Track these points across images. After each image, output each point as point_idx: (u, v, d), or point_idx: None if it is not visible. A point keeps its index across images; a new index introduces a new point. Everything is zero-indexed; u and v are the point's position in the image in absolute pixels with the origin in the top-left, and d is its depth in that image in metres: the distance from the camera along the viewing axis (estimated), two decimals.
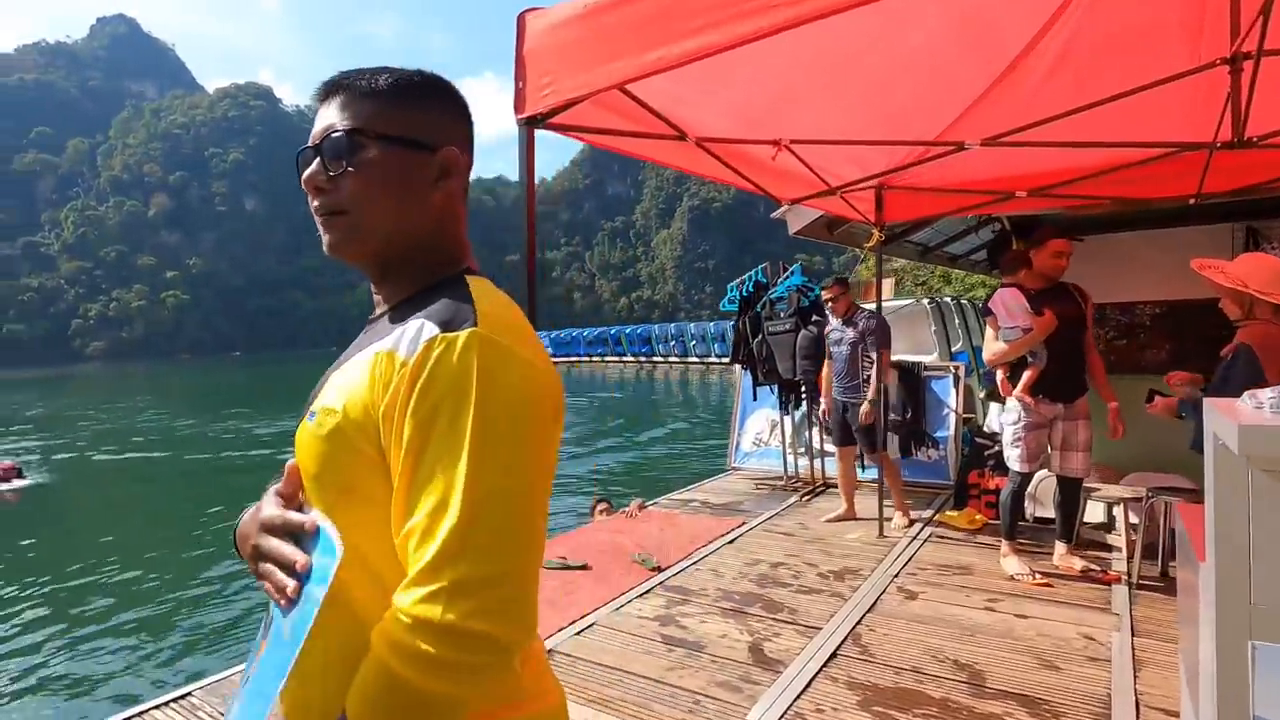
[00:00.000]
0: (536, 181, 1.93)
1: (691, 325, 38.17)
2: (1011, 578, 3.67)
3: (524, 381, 0.69)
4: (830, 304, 4.82)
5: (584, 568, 4.07)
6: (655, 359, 38.94)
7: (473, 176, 0.89)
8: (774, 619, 3.32)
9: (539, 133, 1.87)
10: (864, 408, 4.61)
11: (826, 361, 5.01)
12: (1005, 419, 3.78)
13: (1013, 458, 3.70)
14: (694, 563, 4.16)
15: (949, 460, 5.48)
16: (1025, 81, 2.78)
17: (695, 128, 2.54)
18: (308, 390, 0.84)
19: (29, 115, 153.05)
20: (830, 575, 3.88)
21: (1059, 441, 3.65)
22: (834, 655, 2.92)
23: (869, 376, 4.66)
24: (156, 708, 2.68)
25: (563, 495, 10.09)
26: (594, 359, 42.74)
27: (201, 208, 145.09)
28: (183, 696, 2.76)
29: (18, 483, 12.20)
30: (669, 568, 4.07)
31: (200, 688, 2.84)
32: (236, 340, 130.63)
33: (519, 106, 1.81)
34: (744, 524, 4.91)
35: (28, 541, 9.21)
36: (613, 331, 43.13)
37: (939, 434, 5.58)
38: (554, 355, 46.07)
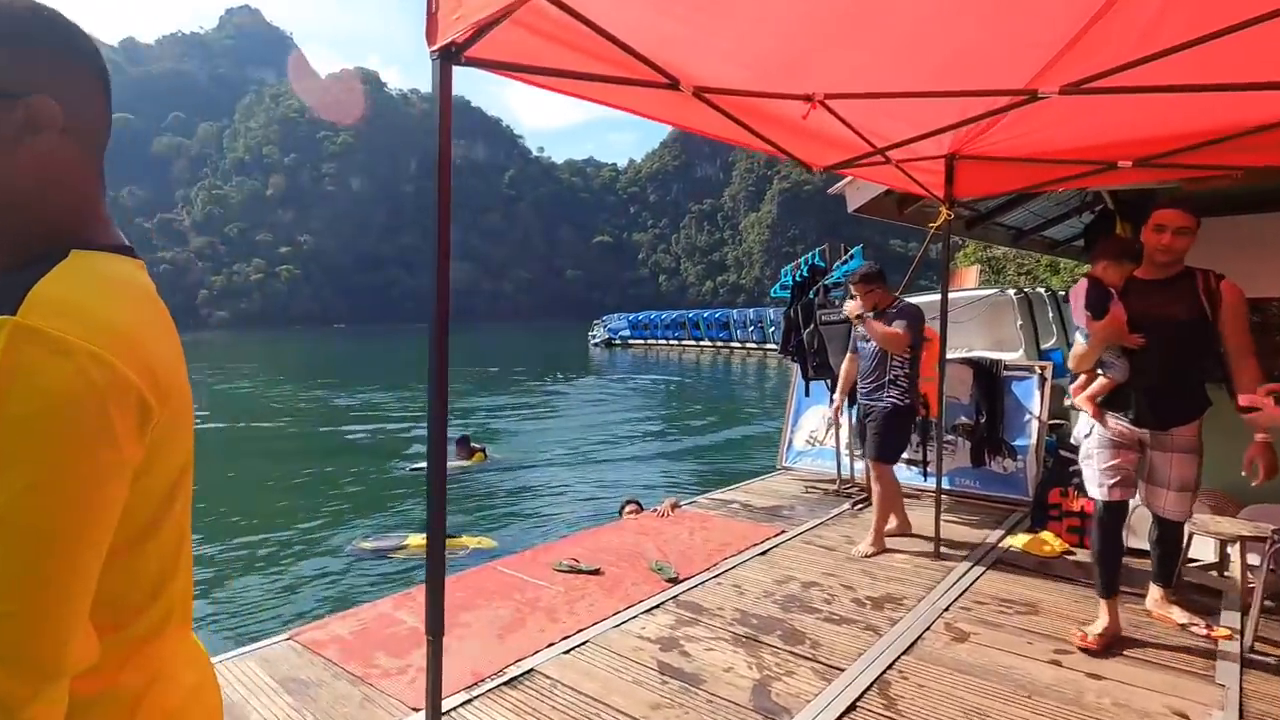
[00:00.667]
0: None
1: (771, 311, 37.10)
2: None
3: (74, 379, 0.58)
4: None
5: (595, 573, 3.75)
6: (733, 344, 38.18)
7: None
8: (792, 652, 2.89)
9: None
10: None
11: (850, 355, 4.47)
12: (1080, 430, 3.15)
13: (1085, 479, 3.06)
14: (716, 575, 3.76)
15: (1028, 474, 4.81)
16: (1129, 21, 2.18)
17: (693, 75, 2.12)
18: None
19: (167, 101, 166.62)
20: (868, 602, 3.39)
21: (1145, 472, 2.93)
22: (853, 706, 2.47)
23: (896, 377, 4.08)
24: None
25: (595, 488, 9.57)
26: (670, 342, 42.36)
27: (312, 187, 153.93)
28: None
29: None
30: (688, 579, 3.69)
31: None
32: (342, 313, 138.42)
33: (430, 36, 1.46)
34: (782, 533, 4.45)
35: None
36: (690, 315, 42.64)
37: (1018, 443, 4.91)
38: (631, 338, 46.11)
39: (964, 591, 3.49)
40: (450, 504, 7.72)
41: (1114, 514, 2.95)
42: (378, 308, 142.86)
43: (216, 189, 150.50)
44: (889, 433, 4.12)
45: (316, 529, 7.86)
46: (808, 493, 5.44)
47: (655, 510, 5.00)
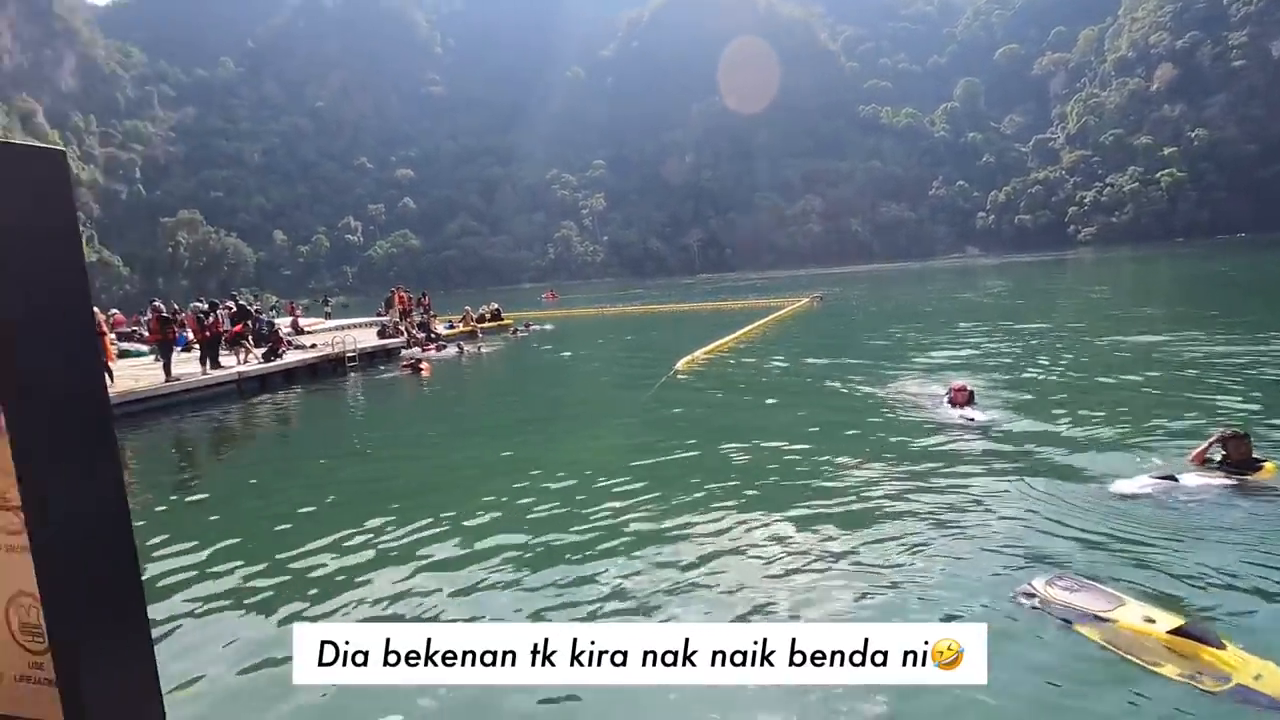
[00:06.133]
0: None
1: None
2: None
3: None
4: None
5: None
6: None
7: None
8: None
9: None
10: None
11: None
12: None
13: None
14: None
15: None
16: None
17: None
18: None
19: (1049, 19, 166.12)
20: None
21: None
22: None
23: None
24: None
25: None
26: None
27: (1211, 68, 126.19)
28: None
29: (970, 412, 9.50)
30: None
31: None
32: (1242, 219, 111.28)
33: None
34: None
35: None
36: None
37: None
38: None
39: None
40: (1152, 541, 4.68)
41: None
42: None
43: (1093, 97, 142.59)
44: None
45: (976, 537, 5.71)
46: None
47: None
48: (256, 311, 22.05)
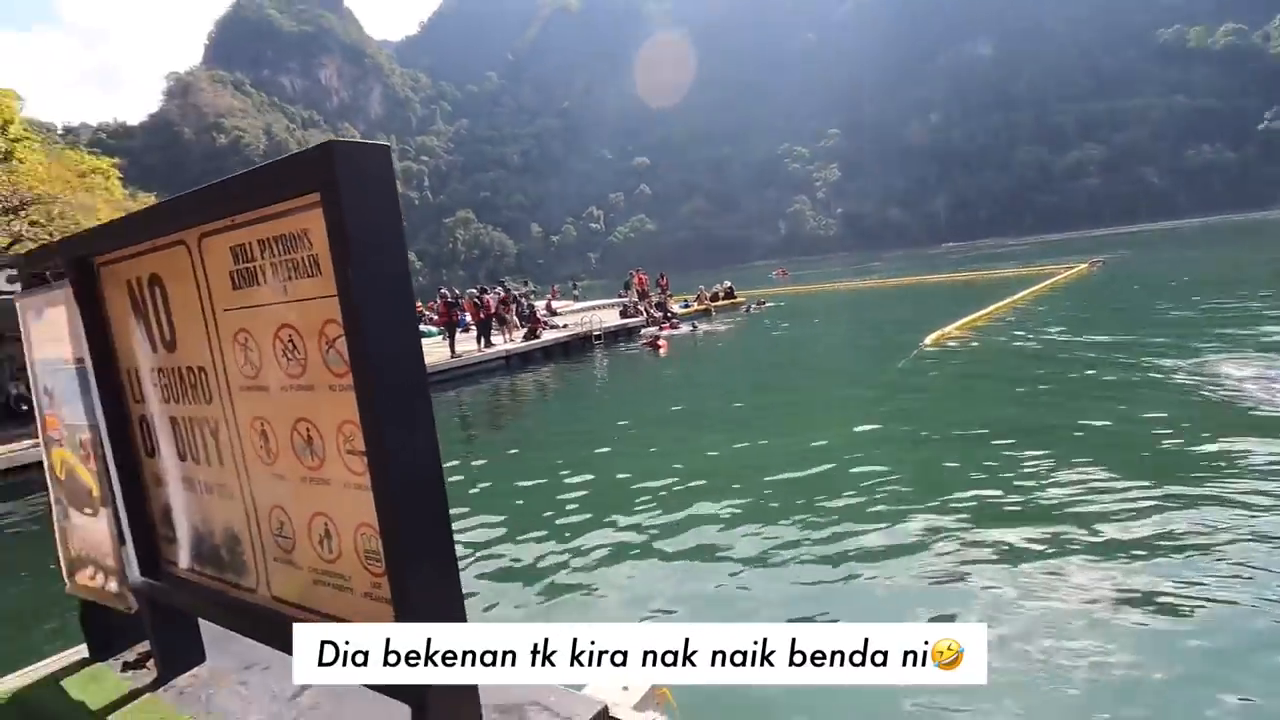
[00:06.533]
0: None
1: None
2: None
3: None
4: None
5: None
6: None
7: None
8: None
9: None
10: None
11: None
12: None
13: None
14: None
15: None
16: None
17: None
18: None
19: None
20: None
21: None
22: None
23: None
24: None
25: None
26: None
27: None
28: None
29: None
30: None
31: None
32: None
33: None
34: None
35: None
36: None
37: None
38: None
39: None
40: None
41: None
42: None
43: None
44: None
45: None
46: None
47: None
48: (520, 296, 24.84)
